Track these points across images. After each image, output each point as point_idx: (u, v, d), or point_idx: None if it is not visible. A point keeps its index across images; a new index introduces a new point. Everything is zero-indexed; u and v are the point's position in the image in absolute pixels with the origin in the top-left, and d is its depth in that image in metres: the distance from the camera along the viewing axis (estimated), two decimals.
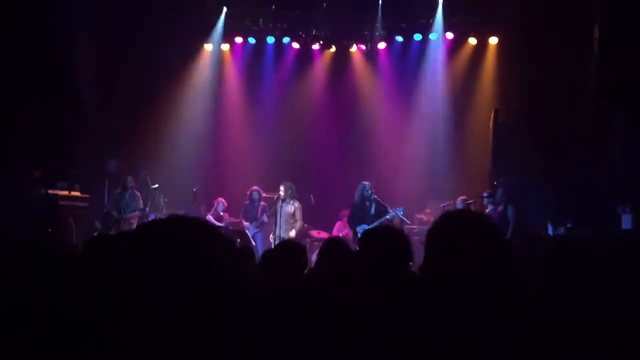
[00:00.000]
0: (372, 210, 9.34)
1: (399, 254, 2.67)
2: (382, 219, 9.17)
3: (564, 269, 3.92)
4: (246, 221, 10.65)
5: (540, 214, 9.82)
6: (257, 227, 10.60)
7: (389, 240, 2.70)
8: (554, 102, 10.67)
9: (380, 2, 11.93)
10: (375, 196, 9.41)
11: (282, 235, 9.85)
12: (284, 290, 2.32)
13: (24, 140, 10.26)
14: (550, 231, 9.51)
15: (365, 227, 8.95)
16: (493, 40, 11.79)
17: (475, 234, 1.78)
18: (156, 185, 11.03)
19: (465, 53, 12.05)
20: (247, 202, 10.75)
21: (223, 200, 11.07)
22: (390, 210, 9.27)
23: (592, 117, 10.45)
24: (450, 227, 1.82)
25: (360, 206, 9.45)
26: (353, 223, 9.48)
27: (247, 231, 10.43)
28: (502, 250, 1.78)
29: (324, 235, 10.91)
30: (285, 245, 4.53)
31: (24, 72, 10.15)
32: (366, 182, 9.52)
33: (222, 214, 11.04)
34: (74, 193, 10.80)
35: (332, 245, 3.93)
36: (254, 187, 10.75)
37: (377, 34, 12.20)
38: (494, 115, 11.19)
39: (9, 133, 9.94)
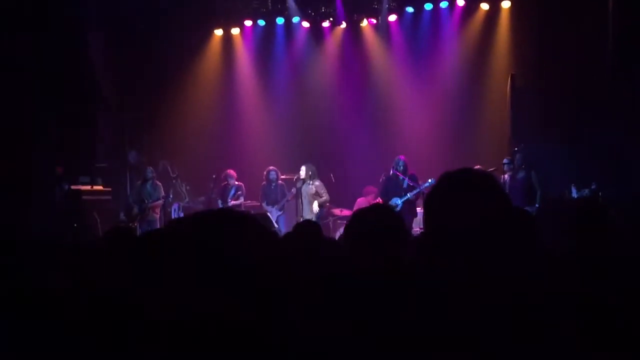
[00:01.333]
0: (405, 183, 9.61)
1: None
2: (415, 192, 9.54)
3: (590, 229, 3.88)
4: (267, 204, 10.52)
5: (563, 178, 9.73)
6: (279, 210, 10.44)
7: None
8: (572, 63, 10.46)
9: None
10: (408, 170, 9.74)
11: (306, 216, 9.92)
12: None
13: (45, 138, 10.36)
14: (574, 194, 9.42)
15: (398, 200, 9.55)
16: (506, 4, 11.59)
17: (475, 192, 1.63)
18: (176, 174, 11.12)
19: (477, 19, 11.86)
20: (265, 183, 10.56)
21: (232, 171, 10.78)
22: (421, 183, 9.52)
23: (612, 76, 10.26)
24: (447, 186, 1.68)
25: (394, 179, 9.72)
26: (386, 196, 9.75)
27: (270, 215, 10.28)
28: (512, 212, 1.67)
29: (346, 212, 10.94)
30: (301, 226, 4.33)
31: (41, 67, 10.21)
32: (401, 156, 9.80)
33: (236, 183, 10.77)
34: (96, 187, 10.93)
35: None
36: (271, 167, 10.56)
37: (386, 6, 12.07)
38: (511, 81, 11.04)
39: (30, 131, 10.04)
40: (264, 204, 10.62)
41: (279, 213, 10.41)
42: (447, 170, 1.71)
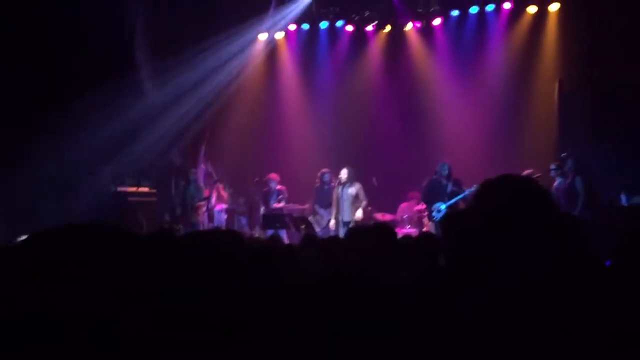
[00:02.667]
0: (449, 188, 9.60)
1: None
2: (459, 197, 9.53)
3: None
4: (320, 207, 10.42)
5: (613, 184, 9.48)
6: (331, 214, 10.21)
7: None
8: (621, 66, 10.17)
9: None
10: (452, 175, 9.74)
11: (346, 219, 9.90)
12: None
13: (93, 140, 10.58)
14: (624, 201, 9.16)
15: (441, 204, 9.60)
16: (553, 7, 11.35)
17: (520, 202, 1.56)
18: (219, 177, 11.24)
19: (524, 22, 11.65)
20: (318, 184, 10.43)
21: (274, 176, 10.75)
22: (465, 189, 9.49)
23: None
24: (490, 197, 1.60)
25: (438, 184, 9.72)
26: (430, 200, 9.78)
27: (320, 218, 10.33)
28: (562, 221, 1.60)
29: (388, 217, 10.88)
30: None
31: (88, 70, 10.41)
32: (446, 161, 9.79)
33: (278, 187, 10.73)
34: (142, 189, 11.14)
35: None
36: (325, 169, 10.41)
37: (431, 9, 11.98)
38: (559, 85, 10.86)
39: (78, 133, 10.27)
40: (316, 206, 10.53)
41: (330, 217, 10.23)
42: (488, 178, 1.65)
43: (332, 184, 10.30)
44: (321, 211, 10.41)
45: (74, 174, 10.36)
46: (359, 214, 9.91)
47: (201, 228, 10.23)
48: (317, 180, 10.50)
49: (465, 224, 1.62)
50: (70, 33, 10.11)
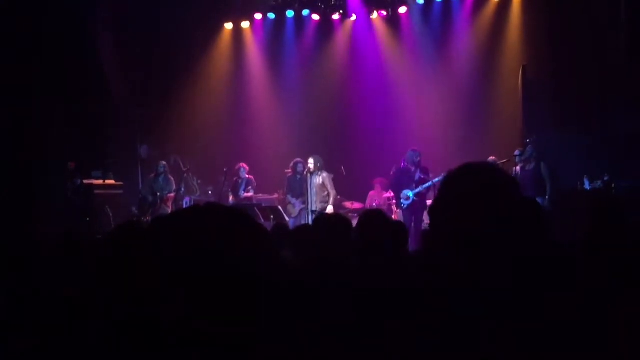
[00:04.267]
0: (417, 176, 9.64)
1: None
2: (427, 185, 9.56)
3: (604, 221, 3.85)
4: (292, 196, 10.41)
5: (576, 169, 9.68)
6: (303, 203, 10.26)
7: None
8: (584, 53, 10.37)
9: None
10: (420, 162, 9.77)
11: (313, 208, 9.94)
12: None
13: (57, 133, 10.49)
14: (587, 185, 9.37)
15: (409, 192, 9.61)
16: None
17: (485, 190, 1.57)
18: (187, 168, 11.19)
19: (489, 10, 11.82)
20: (291, 174, 10.42)
21: (244, 165, 10.80)
22: (432, 177, 9.52)
23: (625, 66, 10.19)
24: (450, 182, 1.63)
25: (406, 172, 9.76)
26: (398, 188, 9.83)
27: (293, 207, 10.36)
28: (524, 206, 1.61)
29: (357, 205, 10.97)
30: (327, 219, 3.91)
31: (52, 66, 10.34)
32: (415, 149, 9.80)
33: (247, 177, 10.79)
34: (108, 181, 11.03)
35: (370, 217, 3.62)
36: (298, 159, 10.38)
37: None
38: (522, 72, 10.99)
39: (43, 127, 10.18)
40: (288, 196, 10.53)
41: (302, 206, 10.26)
42: (451, 168, 1.68)
43: (305, 173, 10.33)
44: (293, 200, 10.42)
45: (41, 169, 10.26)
46: (329, 209, 9.92)
47: None
48: (289, 170, 10.49)
49: (432, 213, 1.64)
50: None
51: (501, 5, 11.69)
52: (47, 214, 9.90)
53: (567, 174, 9.64)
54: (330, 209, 9.89)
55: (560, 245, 2.71)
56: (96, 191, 10.84)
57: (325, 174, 10.08)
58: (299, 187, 10.33)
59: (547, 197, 9.14)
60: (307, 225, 6.80)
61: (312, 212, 9.82)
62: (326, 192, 10.08)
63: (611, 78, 10.27)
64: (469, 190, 1.59)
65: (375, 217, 3.55)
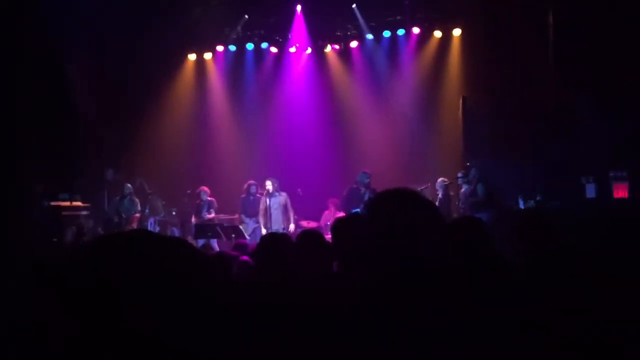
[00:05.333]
0: (366, 196, 10.15)
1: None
2: None
3: (535, 235, 4.44)
4: (246, 216, 11.02)
5: (512, 190, 10.32)
6: (257, 222, 10.86)
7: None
8: (517, 85, 11.01)
9: (354, 5, 12.64)
10: (370, 184, 10.29)
11: (275, 227, 10.48)
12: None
13: (26, 156, 10.70)
14: (521, 205, 10.10)
15: (358, 212, 9.86)
16: (456, 32, 12.46)
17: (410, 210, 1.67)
18: (152, 190, 11.64)
19: (431, 45, 12.69)
20: (244, 196, 11.02)
21: (205, 188, 11.31)
22: None
23: (554, 97, 10.77)
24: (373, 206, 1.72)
25: (357, 192, 10.31)
26: (349, 206, 10.31)
27: (246, 226, 10.83)
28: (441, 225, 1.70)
29: (313, 224, 11.55)
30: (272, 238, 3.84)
31: (21, 91, 10.57)
32: (366, 171, 10.37)
33: (209, 199, 11.27)
34: (75, 203, 11.32)
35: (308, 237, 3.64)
36: (251, 181, 11.02)
37: (348, 33, 12.92)
38: (462, 102, 11.69)
39: (12, 149, 10.37)
40: (242, 216, 11.15)
41: (256, 225, 10.90)
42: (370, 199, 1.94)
43: (258, 194, 10.94)
44: (247, 220, 11.02)
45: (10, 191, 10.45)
46: (291, 227, 10.58)
47: None
48: (244, 192, 11.11)
49: (357, 231, 1.82)
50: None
51: (443, 41, 12.58)
52: (15, 235, 10.07)
53: (504, 194, 10.34)
54: (292, 228, 10.56)
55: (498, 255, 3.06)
56: (63, 212, 11.12)
57: (284, 194, 10.76)
58: (252, 207, 10.94)
59: (486, 214, 9.92)
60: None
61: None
62: (291, 212, 10.72)
63: (542, 108, 10.91)
64: (394, 211, 1.70)
65: (309, 237, 3.63)
